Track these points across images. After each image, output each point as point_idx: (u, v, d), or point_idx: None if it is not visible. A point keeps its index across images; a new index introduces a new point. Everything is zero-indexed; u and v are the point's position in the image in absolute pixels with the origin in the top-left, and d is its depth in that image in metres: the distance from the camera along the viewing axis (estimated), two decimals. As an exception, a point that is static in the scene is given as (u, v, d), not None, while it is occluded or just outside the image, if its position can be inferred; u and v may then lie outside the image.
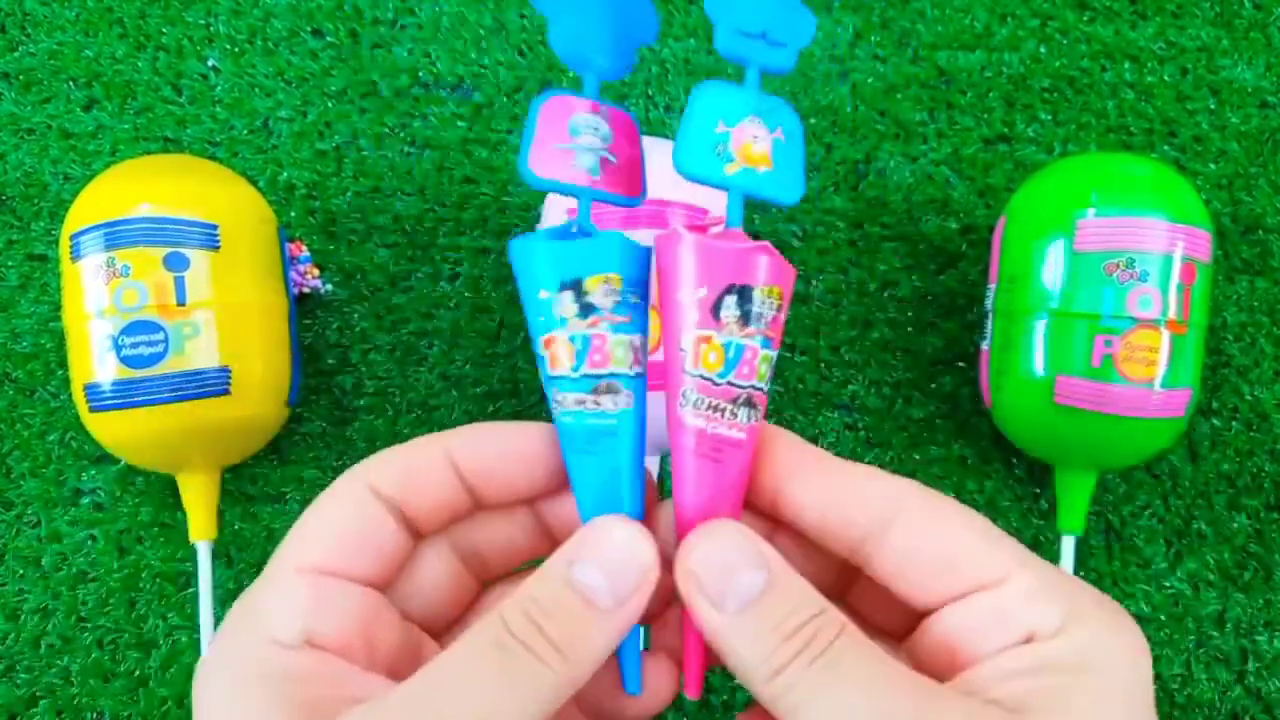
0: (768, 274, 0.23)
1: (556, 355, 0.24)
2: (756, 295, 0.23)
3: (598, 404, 0.23)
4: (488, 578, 0.26)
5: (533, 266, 0.24)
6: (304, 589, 0.21)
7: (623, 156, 0.25)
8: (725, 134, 0.24)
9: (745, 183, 0.24)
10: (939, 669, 0.22)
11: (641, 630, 0.24)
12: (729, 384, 0.23)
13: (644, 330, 0.24)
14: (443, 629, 0.25)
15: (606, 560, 0.21)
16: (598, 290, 0.24)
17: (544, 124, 0.25)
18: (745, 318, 0.23)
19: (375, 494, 0.22)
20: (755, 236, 0.25)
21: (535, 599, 0.21)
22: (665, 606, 0.25)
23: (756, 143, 0.25)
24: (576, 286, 0.24)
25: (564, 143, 0.25)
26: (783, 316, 0.24)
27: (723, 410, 0.23)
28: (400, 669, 0.22)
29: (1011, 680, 0.20)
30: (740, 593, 0.21)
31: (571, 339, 0.24)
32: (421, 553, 0.24)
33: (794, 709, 0.20)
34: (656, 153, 0.37)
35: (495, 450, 0.24)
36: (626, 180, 0.25)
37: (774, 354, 0.24)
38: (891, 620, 0.24)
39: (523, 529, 0.25)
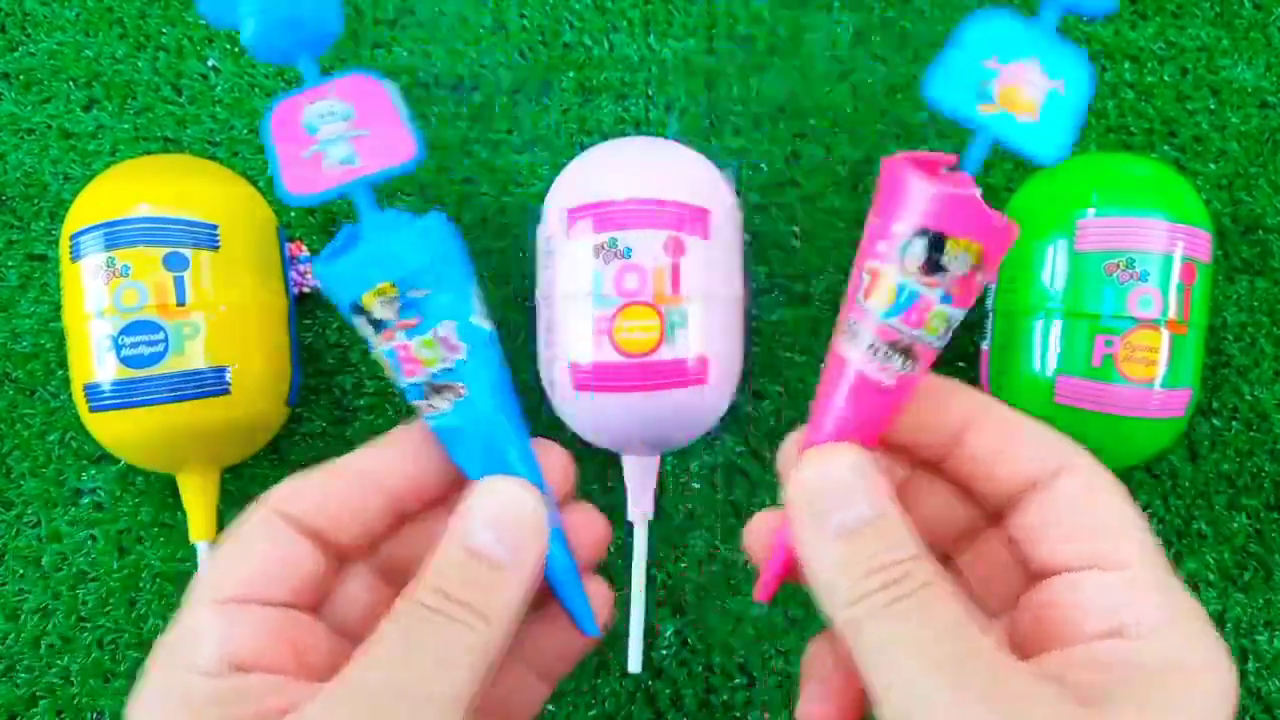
0: (969, 226, 0.22)
1: (387, 371, 0.24)
2: (949, 246, 0.22)
3: (433, 407, 0.24)
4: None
5: (329, 296, 0.24)
6: (221, 618, 0.21)
7: (375, 124, 0.24)
8: (994, 70, 0.22)
9: (998, 127, 0.22)
10: (1030, 643, 0.22)
11: (576, 568, 0.25)
12: (891, 325, 0.22)
13: (455, 312, 0.23)
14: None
15: (494, 518, 0.22)
16: (376, 305, 0.23)
17: (280, 137, 0.24)
18: (930, 265, 0.22)
19: (290, 522, 0.23)
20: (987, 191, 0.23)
21: (437, 569, 0.21)
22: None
23: (1027, 88, 0.22)
24: (358, 308, 0.23)
25: (307, 147, 0.24)
26: (979, 277, 0.22)
27: (877, 350, 0.22)
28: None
29: (1095, 670, 0.20)
30: (845, 518, 0.21)
31: (385, 354, 0.24)
32: (345, 572, 0.24)
33: (863, 641, 0.20)
34: (659, 152, 0.37)
35: (413, 464, 0.24)
36: (390, 146, 0.24)
37: (956, 313, 0.22)
38: (992, 594, 0.24)
39: (437, 534, 0.25)
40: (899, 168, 0.22)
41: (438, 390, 0.24)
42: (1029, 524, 0.23)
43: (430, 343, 0.23)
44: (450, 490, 0.25)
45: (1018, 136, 0.22)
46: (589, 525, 0.26)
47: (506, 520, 0.22)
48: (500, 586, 0.22)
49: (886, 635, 0.20)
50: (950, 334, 0.23)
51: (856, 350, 0.23)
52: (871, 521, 0.21)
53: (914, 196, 0.22)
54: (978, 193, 0.22)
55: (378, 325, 0.23)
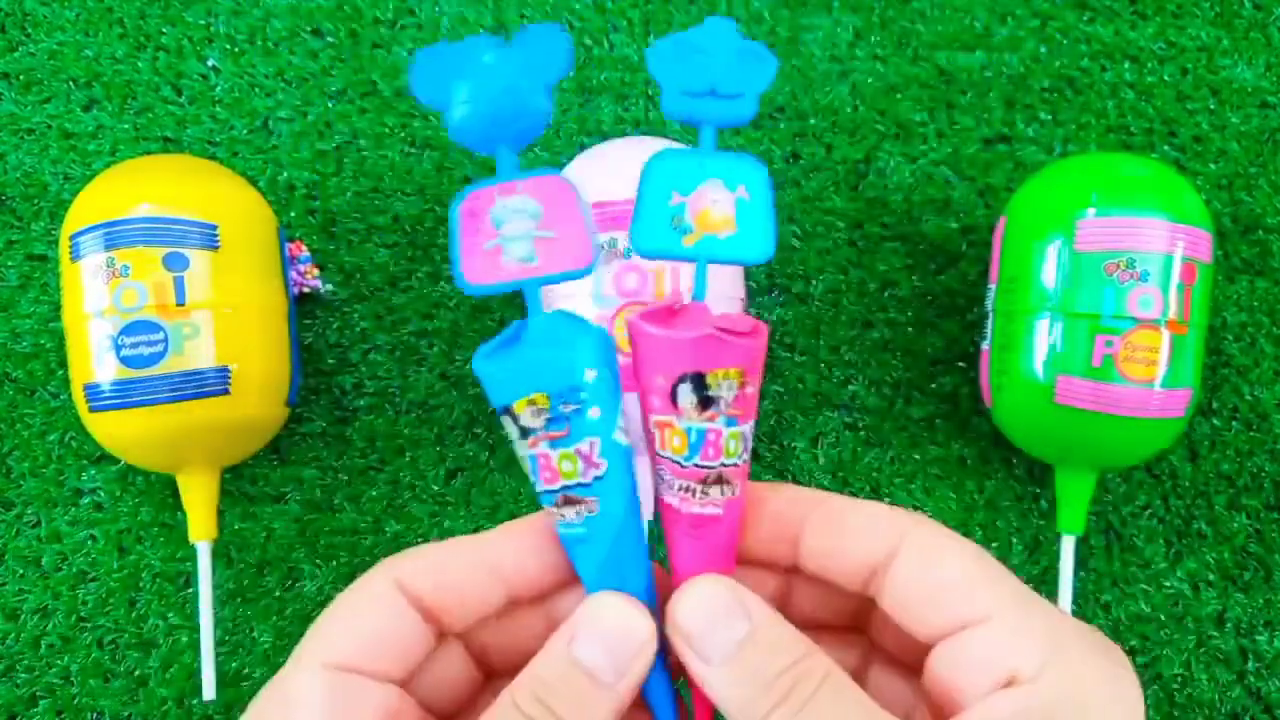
0: (722, 359, 0.22)
1: (525, 470, 0.24)
2: (710, 381, 0.22)
3: (564, 515, 0.24)
4: (491, 672, 0.26)
5: (484, 388, 0.24)
6: (330, 686, 0.21)
7: (560, 227, 0.24)
8: (681, 205, 0.23)
9: (706, 251, 0.23)
10: (941, 708, 0.22)
11: (669, 677, 0.25)
12: (695, 466, 0.23)
13: (602, 429, 0.23)
14: (454, 717, 0.25)
15: (604, 635, 0.22)
16: (525, 414, 0.23)
17: (466, 227, 0.24)
18: (703, 403, 0.23)
19: (409, 596, 0.23)
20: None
21: (541, 679, 0.21)
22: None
23: (716, 207, 0.23)
24: (508, 412, 0.23)
25: (490, 239, 0.24)
26: (749, 390, 0.23)
27: (693, 490, 0.23)
28: None
29: None
30: (723, 643, 0.22)
31: (525, 459, 0.24)
32: (440, 652, 0.24)
33: None
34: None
35: (534, 559, 0.24)
36: (570, 250, 0.24)
37: (745, 428, 0.23)
38: (907, 652, 0.25)
39: (532, 625, 0.25)
40: (637, 329, 0.23)
41: (570, 502, 0.24)
42: (889, 605, 0.23)
43: (572, 456, 0.23)
44: (560, 586, 0.25)
45: (726, 252, 0.23)
46: None
47: (617, 640, 0.22)
48: (600, 706, 0.22)
49: None
50: (749, 442, 0.24)
51: (676, 496, 0.24)
52: (749, 636, 0.22)
53: (659, 351, 0.23)
54: (712, 321, 0.23)
55: (524, 431, 0.23)
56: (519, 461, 0.24)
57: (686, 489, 0.24)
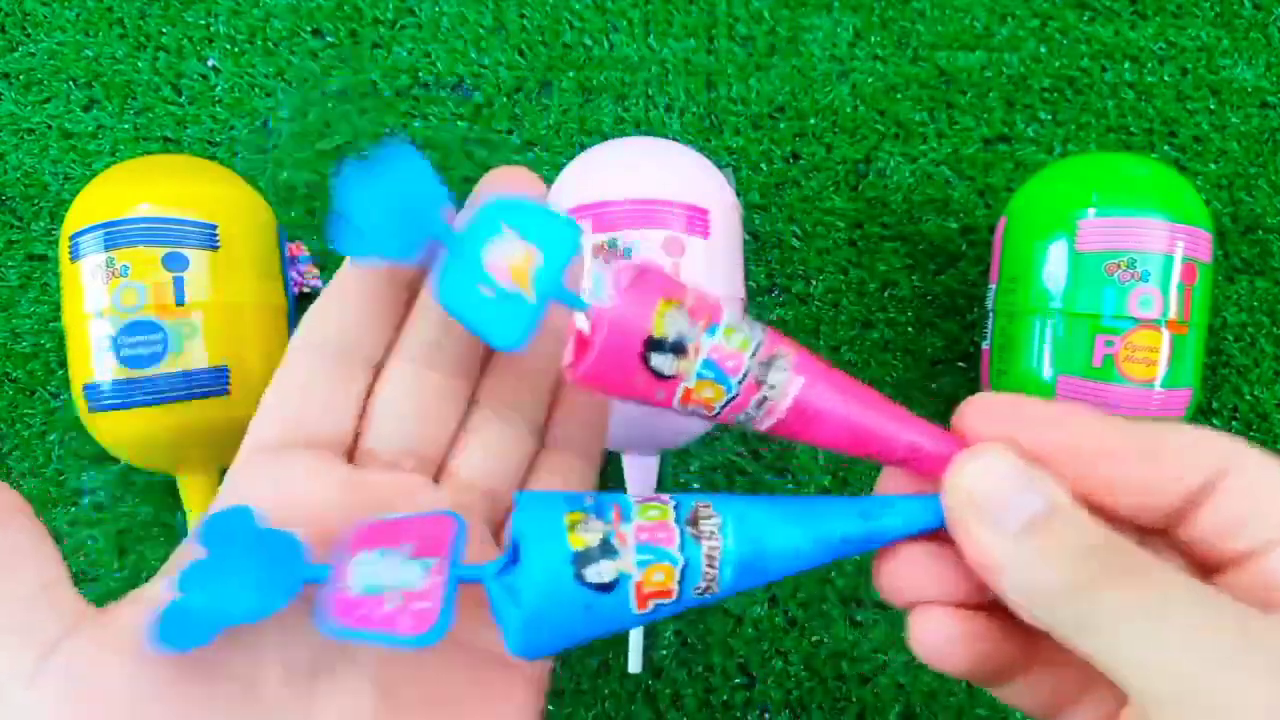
0: (644, 313, 0.21)
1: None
2: (659, 333, 0.21)
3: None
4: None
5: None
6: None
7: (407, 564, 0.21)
8: (497, 290, 0.22)
9: (547, 285, 0.22)
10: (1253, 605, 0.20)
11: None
12: (741, 386, 0.22)
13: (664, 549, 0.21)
14: None
15: None
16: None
17: (365, 621, 0.20)
18: (677, 350, 0.21)
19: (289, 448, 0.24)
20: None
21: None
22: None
23: (510, 257, 0.22)
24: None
25: (391, 600, 0.21)
26: (690, 301, 0.22)
27: (766, 399, 0.22)
28: None
29: None
30: (1023, 512, 0.20)
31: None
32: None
33: (1101, 630, 0.19)
34: (660, 152, 0.37)
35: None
36: (432, 535, 0.22)
37: (726, 319, 0.22)
38: (1195, 548, 0.22)
39: None
40: (579, 381, 0.22)
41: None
42: (1210, 522, 0.21)
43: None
44: None
45: (556, 263, 0.22)
46: None
47: None
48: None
49: (1127, 616, 0.18)
50: (740, 314, 0.23)
51: (771, 418, 0.22)
52: (1055, 509, 0.20)
53: (610, 369, 0.22)
54: (609, 308, 0.22)
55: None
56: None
57: (762, 402, 0.22)
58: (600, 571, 0.20)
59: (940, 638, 0.22)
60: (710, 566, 0.21)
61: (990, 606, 0.22)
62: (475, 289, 0.22)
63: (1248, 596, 0.20)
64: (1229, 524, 0.21)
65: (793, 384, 0.22)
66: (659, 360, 0.21)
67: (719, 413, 0.22)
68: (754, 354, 0.22)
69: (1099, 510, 0.21)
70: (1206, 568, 0.21)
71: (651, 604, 0.20)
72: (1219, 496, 0.21)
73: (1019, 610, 0.20)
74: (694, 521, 0.21)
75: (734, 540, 0.21)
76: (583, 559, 0.20)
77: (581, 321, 0.23)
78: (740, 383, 0.21)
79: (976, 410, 0.22)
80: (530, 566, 0.20)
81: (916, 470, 0.22)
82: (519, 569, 0.20)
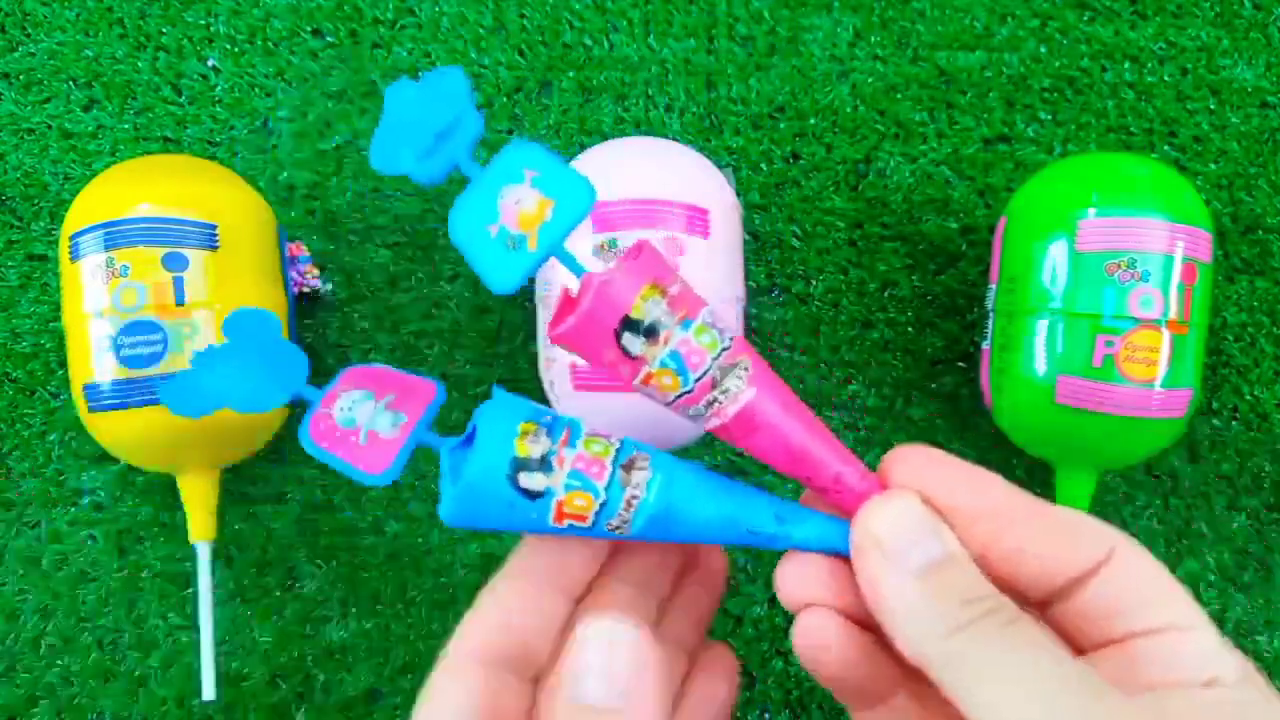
0: (626, 292, 0.22)
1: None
2: (636, 316, 0.22)
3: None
4: None
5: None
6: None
7: (389, 388, 0.24)
8: (500, 229, 0.23)
9: (549, 239, 0.23)
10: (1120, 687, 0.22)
11: None
12: (696, 383, 0.23)
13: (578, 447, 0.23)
14: None
15: (596, 667, 0.22)
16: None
17: (334, 446, 0.24)
18: (651, 332, 0.23)
19: (484, 664, 0.23)
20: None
21: None
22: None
23: (523, 203, 0.23)
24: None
25: (358, 436, 0.24)
26: (674, 290, 0.23)
27: (717, 400, 0.23)
28: None
29: (1195, 710, 0.21)
30: (922, 556, 0.22)
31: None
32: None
33: (965, 672, 0.20)
34: (660, 152, 0.37)
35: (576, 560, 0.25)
36: (416, 390, 0.24)
37: (700, 318, 0.23)
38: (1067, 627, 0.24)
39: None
40: (558, 340, 0.23)
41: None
42: (1088, 602, 0.23)
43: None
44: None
45: (563, 224, 0.22)
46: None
47: (612, 664, 0.22)
48: None
49: (991, 662, 0.20)
50: (726, 321, 0.24)
51: (716, 417, 0.24)
52: (950, 558, 0.22)
53: (583, 337, 0.23)
54: (603, 271, 0.23)
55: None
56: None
57: (712, 403, 0.23)
58: (532, 480, 0.23)
59: (819, 640, 0.24)
60: (626, 510, 0.23)
61: (874, 629, 0.23)
62: (484, 226, 0.23)
63: (1111, 680, 0.21)
64: (1103, 608, 0.22)
65: (744, 393, 0.23)
66: (630, 340, 0.22)
67: (672, 402, 0.23)
68: (718, 356, 0.23)
69: (993, 577, 0.23)
70: (1077, 648, 0.23)
71: (566, 522, 0.23)
72: (1098, 581, 0.22)
73: (897, 643, 0.22)
74: (628, 467, 0.23)
75: (655, 496, 0.23)
76: (520, 465, 0.23)
77: (572, 284, 0.24)
78: (697, 380, 0.23)
79: (901, 460, 0.24)
80: (475, 456, 0.23)
81: (835, 500, 0.24)
82: (468, 454, 0.23)
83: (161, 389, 0.24)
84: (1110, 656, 0.22)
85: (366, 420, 0.24)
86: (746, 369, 0.23)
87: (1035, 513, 0.23)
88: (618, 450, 0.23)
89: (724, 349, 0.23)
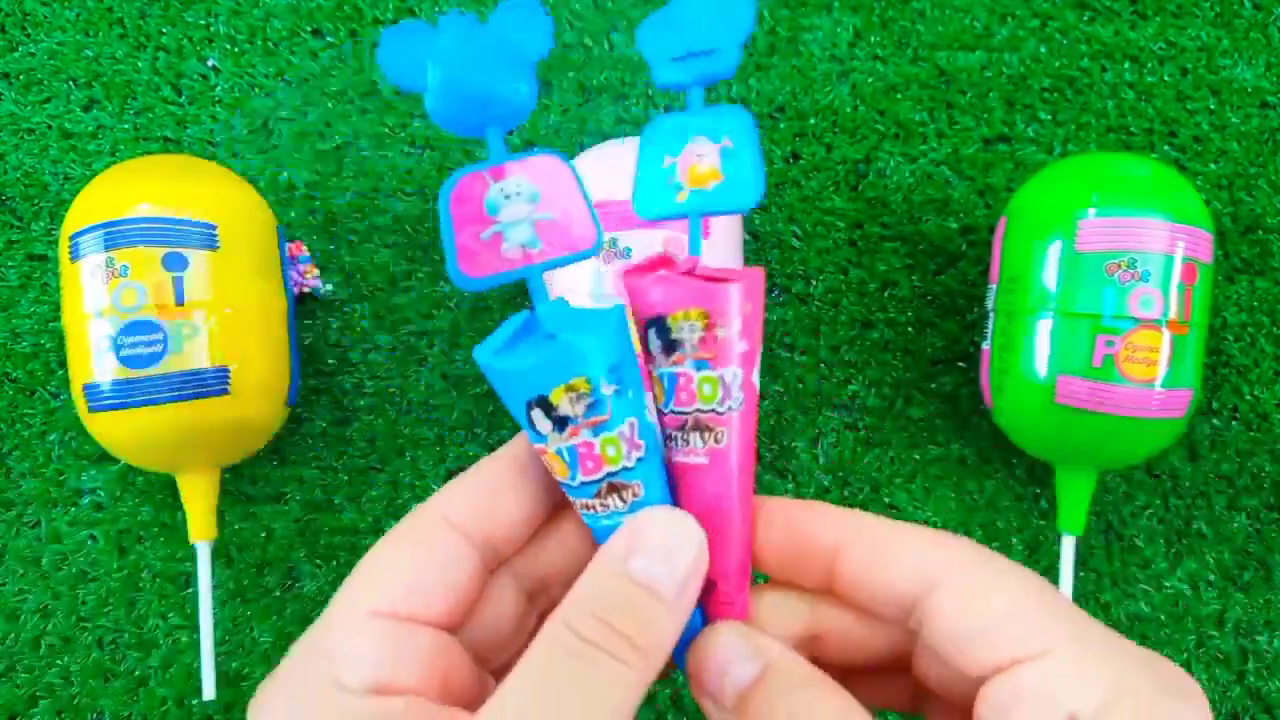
0: (682, 301, 0.22)
1: (551, 466, 0.23)
2: (671, 324, 0.22)
3: (606, 506, 0.22)
4: (548, 608, 0.24)
5: (497, 388, 0.22)
6: (377, 635, 0.20)
7: (560, 207, 0.23)
8: (672, 165, 0.24)
9: (697, 204, 0.23)
10: None
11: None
12: (671, 412, 0.23)
13: (636, 408, 0.22)
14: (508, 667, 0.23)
15: (662, 548, 0.21)
16: (564, 402, 0.22)
17: (459, 216, 0.22)
18: (668, 347, 0.23)
19: (453, 527, 0.22)
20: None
21: (599, 598, 0.20)
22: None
23: (702, 160, 0.24)
24: (543, 404, 0.22)
25: (487, 228, 0.22)
26: (721, 334, 0.22)
27: (674, 439, 0.23)
28: (474, 707, 0.20)
29: None
30: (733, 686, 0.21)
31: (558, 452, 0.22)
32: (490, 587, 0.23)
33: None
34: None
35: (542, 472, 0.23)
36: (573, 232, 0.23)
37: (722, 372, 0.23)
38: (957, 694, 0.23)
39: (586, 544, 0.24)
40: (625, 282, 0.23)
41: (614, 490, 0.22)
42: (933, 639, 0.21)
43: (615, 440, 0.22)
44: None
45: (714, 203, 0.23)
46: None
47: (675, 552, 0.21)
48: (664, 622, 0.20)
49: None
50: (739, 392, 0.23)
51: (669, 450, 0.24)
52: (760, 677, 0.21)
53: (635, 297, 0.23)
54: (672, 272, 0.23)
55: (561, 422, 0.22)
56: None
57: (669, 437, 0.23)
58: (539, 420, 0.22)
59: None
60: (589, 510, 0.23)
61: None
62: (664, 153, 0.24)
63: None
64: (946, 645, 0.21)
65: (691, 456, 0.23)
66: (651, 337, 0.23)
67: (659, 408, 0.24)
68: (705, 411, 0.23)
69: (853, 615, 0.23)
70: (964, 709, 0.21)
71: (541, 460, 0.23)
72: (932, 613, 0.21)
73: None
74: (616, 489, 0.22)
75: (624, 518, 0.22)
76: (542, 404, 0.22)
77: (670, 251, 0.24)
78: (671, 412, 0.23)
79: (761, 517, 0.24)
80: (517, 361, 0.22)
81: (707, 600, 0.24)
82: (525, 344, 0.22)
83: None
84: (981, 699, 0.20)
85: (507, 219, 0.22)
86: (717, 441, 0.23)
87: (862, 533, 0.22)
88: (622, 471, 0.22)
89: (714, 411, 0.23)
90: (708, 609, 0.23)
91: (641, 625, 0.20)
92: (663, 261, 0.23)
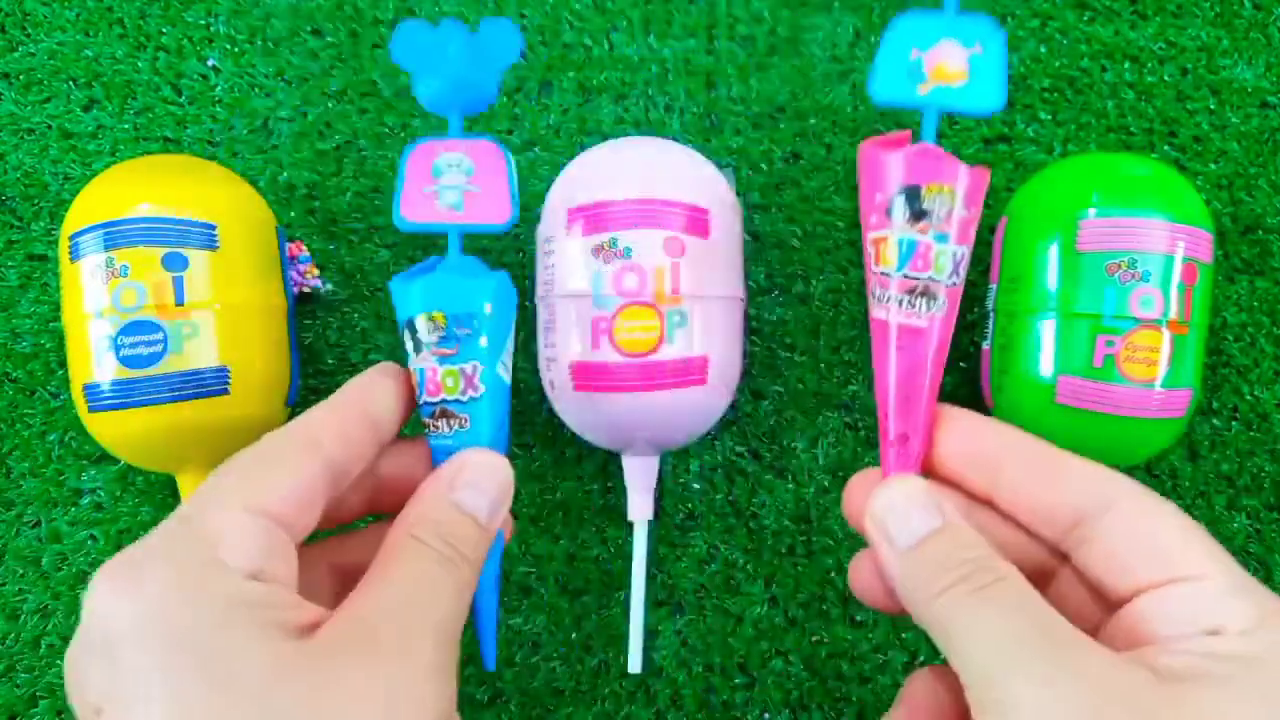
0: (935, 174, 0.26)
1: (412, 380, 0.29)
2: (924, 194, 0.26)
3: (438, 427, 0.28)
4: (383, 510, 0.30)
5: (395, 305, 0.29)
6: (255, 529, 0.23)
7: (488, 185, 0.29)
8: (919, 59, 0.26)
9: (937, 99, 0.26)
10: (1118, 647, 0.23)
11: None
12: (904, 276, 0.26)
13: (487, 359, 0.28)
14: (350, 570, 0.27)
15: (479, 484, 0.27)
16: (423, 328, 0.28)
17: (411, 172, 0.29)
18: (916, 215, 0.26)
19: (316, 448, 0.25)
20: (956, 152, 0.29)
21: (438, 521, 0.25)
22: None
23: (950, 60, 0.26)
24: (410, 324, 0.28)
25: (429, 185, 0.29)
26: (962, 213, 0.26)
27: (900, 301, 0.26)
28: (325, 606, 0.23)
29: (1184, 657, 0.21)
30: (910, 531, 0.24)
31: (415, 370, 0.28)
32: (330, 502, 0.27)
33: (949, 629, 0.22)
34: (659, 152, 0.37)
35: (396, 396, 0.28)
36: (493, 206, 0.29)
37: (958, 249, 0.26)
38: (1083, 614, 0.25)
39: (419, 460, 0.29)
40: (870, 151, 0.26)
41: (445, 415, 0.28)
42: (1094, 559, 0.24)
43: (455, 374, 0.28)
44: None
45: (957, 100, 0.26)
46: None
47: (493, 488, 0.27)
48: (482, 540, 0.26)
49: (972, 621, 0.22)
50: (963, 270, 0.27)
51: (886, 310, 0.26)
52: (937, 531, 0.24)
53: (886, 166, 0.26)
54: (937, 150, 0.26)
55: (418, 345, 0.28)
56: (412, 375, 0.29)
57: (898, 300, 0.26)
58: (407, 339, 0.29)
59: (858, 585, 0.27)
60: (426, 427, 0.29)
61: None
62: (911, 45, 0.27)
63: (1121, 639, 0.23)
64: (1109, 564, 0.24)
65: (914, 319, 0.26)
66: (898, 204, 0.26)
67: (874, 273, 0.27)
68: (932, 280, 0.26)
69: (1005, 526, 0.26)
70: (1103, 608, 0.24)
71: (387, 391, 0.28)
72: (1102, 534, 0.24)
73: (909, 610, 0.24)
74: (445, 415, 0.28)
75: (449, 440, 0.28)
76: (409, 325, 0.28)
77: (917, 137, 0.27)
78: (904, 274, 0.26)
79: (943, 422, 0.27)
80: (408, 285, 0.29)
81: (884, 453, 0.27)
82: (418, 273, 0.29)
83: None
84: (1124, 615, 0.23)
85: (444, 184, 0.29)
86: (941, 308, 0.26)
87: (1032, 456, 0.25)
88: (459, 405, 0.28)
89: (941, 283, 0.26)
90: (897, 461, 0.27)
91: (471, 544, 0.26)
92: (901, 140, 0.27)
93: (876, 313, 0.27)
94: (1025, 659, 0.21)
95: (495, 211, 0.29)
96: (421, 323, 0.28)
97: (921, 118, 0.26)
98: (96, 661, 0.21)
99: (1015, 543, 0.26)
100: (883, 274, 0.26)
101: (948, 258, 0.26)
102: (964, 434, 0.26)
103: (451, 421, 0.28)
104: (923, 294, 0.26)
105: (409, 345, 0.28)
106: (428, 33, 0.30)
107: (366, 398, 0.27)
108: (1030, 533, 0.25)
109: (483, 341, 0.28)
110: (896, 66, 0.27)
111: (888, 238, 0.26)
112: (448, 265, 0.29)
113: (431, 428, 0.29)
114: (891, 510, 0.25)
